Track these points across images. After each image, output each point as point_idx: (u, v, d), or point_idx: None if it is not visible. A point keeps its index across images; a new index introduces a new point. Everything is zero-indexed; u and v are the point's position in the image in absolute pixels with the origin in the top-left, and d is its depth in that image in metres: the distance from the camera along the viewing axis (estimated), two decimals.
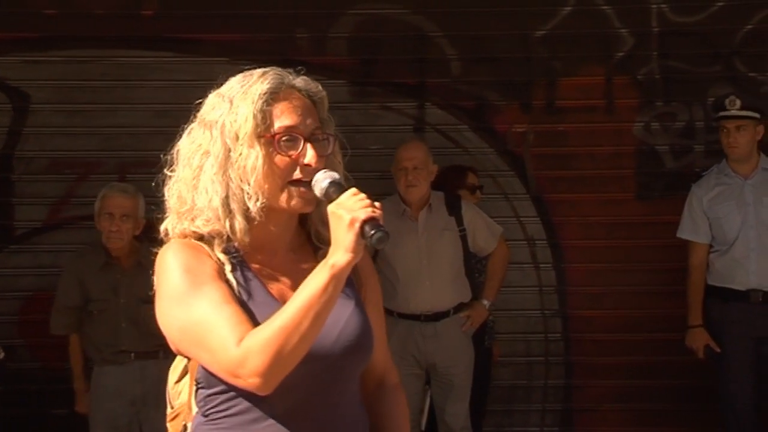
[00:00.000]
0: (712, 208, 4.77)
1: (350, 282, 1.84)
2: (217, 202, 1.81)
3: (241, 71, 1.91)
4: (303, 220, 1.91)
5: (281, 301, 1.80)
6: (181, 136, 1.93)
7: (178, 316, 1.80)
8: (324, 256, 1.77)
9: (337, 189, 1.77)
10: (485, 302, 4.78)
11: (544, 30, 5.38)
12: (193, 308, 1.77)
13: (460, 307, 4.71)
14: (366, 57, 5.34)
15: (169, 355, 5.25)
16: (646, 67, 5.41)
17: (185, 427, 1.91)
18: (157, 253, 1.90)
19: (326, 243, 1.80)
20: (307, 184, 1.81)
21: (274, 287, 1.84)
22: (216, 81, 1.93)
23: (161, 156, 1.96)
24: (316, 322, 1.71)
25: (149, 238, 5.06)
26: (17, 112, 5.39)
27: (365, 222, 1.70)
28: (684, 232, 4.84)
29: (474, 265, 4.82)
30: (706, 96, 5.36)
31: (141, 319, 4.38)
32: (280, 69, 1.87)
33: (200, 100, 1.89)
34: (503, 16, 5.33)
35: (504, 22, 5.34)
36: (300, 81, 1.87)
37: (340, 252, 1.71)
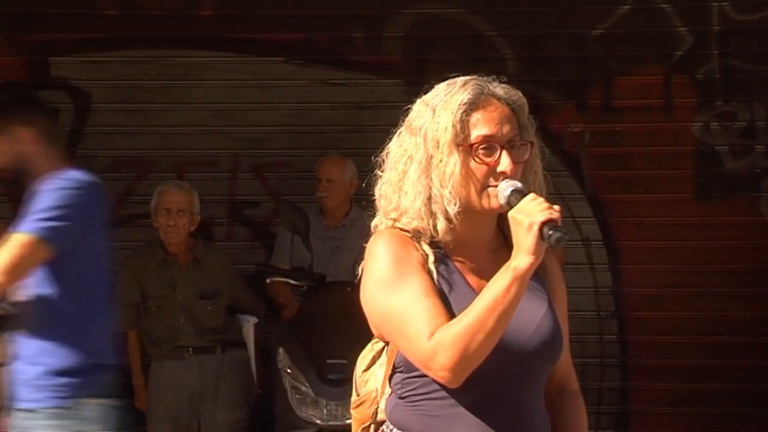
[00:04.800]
0: None
1: (544, 285, 1.97)
2: (419, 203, 1.91)
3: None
4: (501, 223, 1.99)
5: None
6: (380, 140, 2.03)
7: (381, 303, 1.90)
8: None
9: (518, 196, 1.86)
10: None
11: (601, 29, 5.33)
12: (395, 297, 1.88)
13: None
14: (421, 56, 5.34)
15: (226, 350, 5.31)
16: (705, 66, 5.33)
17: (376, 411, 2.00)
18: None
19: None
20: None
21: (474, 282, 1.94)
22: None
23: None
24: (500, 322, 1.80)
25: (204, 236, 5.15)
26: (78, 111, 5.49)
27: (543, 224, 1.78)
28: None
29: None
30: (767, 95, 5.27)
31: (198, 315, 4.46)
32: (481, 78, 1.96)
33: (408, 106, 1.99)
34: (559, 15, 5.30)
35: (560, 21, 5.31)
36: (500, 89, 1.95)
37: (522, 255, 1.80)
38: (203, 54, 5.44)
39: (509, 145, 1.91)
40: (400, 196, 1.93)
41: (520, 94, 1.96)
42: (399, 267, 1.88)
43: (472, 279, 1.94)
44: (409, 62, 5.36)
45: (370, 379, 2.05)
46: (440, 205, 1.90)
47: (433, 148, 1.91)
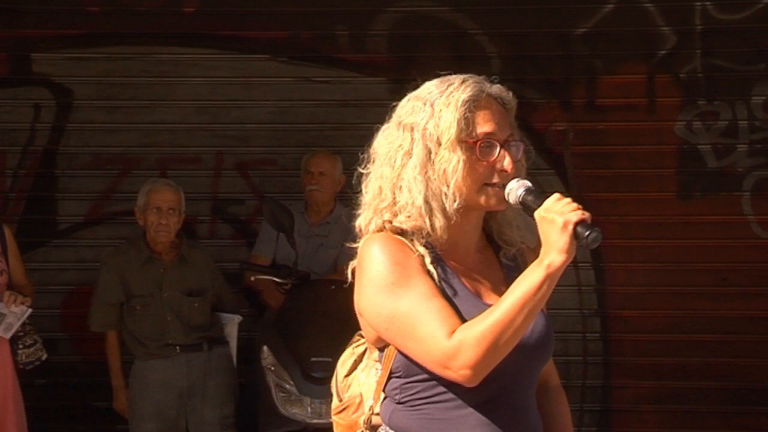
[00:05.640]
0: None
1: None
2: (420, 200, 1.90)
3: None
4: (484, 223, 2.01)
5: (477, 296, 1.91)
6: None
7: (386, 306, 1.87)
8: (507, 256, 1.95)
9: (535, 196, 1.88)
10: None
11: (585, 27, 5.34)
12: (402, 299, 1.86)
13: None
14: (405, 54, 5.34)
15: (212, 347, 5.31)
16: (688, 65, 5.35)
17: (370, 417, 1.97)
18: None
19: (509, 243, 1.97)
20: (501, 185, 1.93)
21: (469, 283, 1.94)
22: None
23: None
24: (528, 319, 1.82)
25: (187, 233, 5.14)
26: (61, 108, 5.46)
27: (577, 224, 1.81)
28: None
29: None
30: (749, 94, 5.30)
31: (186, 313, 4.44)
32: (477, 77, 1.98)
33: (395, 103, 1.99)
34: (543, 13, 5.31)
35: (544, 19, 5.32)
36: (495, 89, 1.97)
37: (554, 253, 1.82)
38: (187, 51, 5.42)
39: (506, 144, 1.93)
40: (395, 193, 1.92)
41: (512, 94, 1.99)
42: (401, 269, 1.87)
43: (466, 280, 1.94)
44: (394, 60, 5.36)
45: (353, 384, 2.04)
46: (439, 203, 1.90)
47: (434, 145, 1.91)
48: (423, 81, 2.00)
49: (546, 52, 5.38)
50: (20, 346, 4.24)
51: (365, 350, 2.04)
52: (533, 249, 1.88)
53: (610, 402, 5.46)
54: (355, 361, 2.06)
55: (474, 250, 1.98)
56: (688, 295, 5.31)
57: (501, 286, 1.98)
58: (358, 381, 2.03)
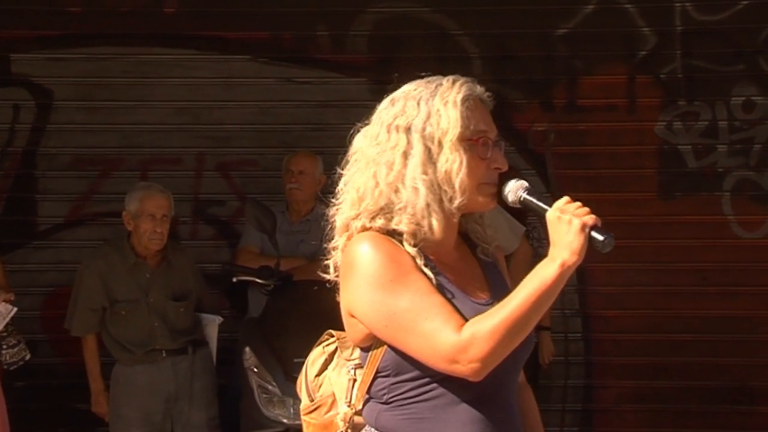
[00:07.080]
0: None
1: (505, 281, 2.02)
2: (422, 201, 1.90)
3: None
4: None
5: (465, 294, 1.92)
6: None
7: (386, 303, 1.86)
8: (485, 253, 1.98)
9: (537, 197, 1.93)
10: None
11: (565, 28, 5.36)
12: (402, 295, 1.85)
13: None
14: (386, 55, 5.34)
15: (197, 350, 5.24)
16: (668, 66, 5.38)
17: (351, 417, 1.95)
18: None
19: (485, 241, 2.00)
20: (494, 185, 1.95)
21: (455, 281, 1.95)
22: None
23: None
24: (537, 313, 1.84)
25: (171, 236, 5.06)
26: (40, 108, 5.43)
27: (592, 228, 1.85)
28: None
29: None
30: (729, 95, 5.33)
31: (171, 317, 4.39)
32: (462, 77, 1.98)
33: (376, 104, 1.99)
34: (524, 14, 5.32)
35: (525, 20, 5.33)
36: (480, 89, 1.98)
37: (567, 253, 1.85)
38: (167, 51, 5.40)
39: (496, 143, 1.95)
40: (391, 196, 1.90)
41: (489, 94, 2.00)
42: (397, 266, 1.87)
43: (451, 277, 1.94)
44: (375, 61, 5.36)
45: (324, 383, 2.03)
46: (439, 203, 1.90)
47: (434, 145, 1.90)
48: (403, 82, 1.99)
49: (527, 52, 5.40)
50: (4, 347, 4.19)
51: (336, 349, 2.03)
52: (509, 254, 1.90)
53: (592, 402, 5.48)
54: (326, 360, 2.04)
55: (452, 248, 1.99)
56: (669, 294, 5.34)
57: (482, 282, 1.99)
58: (330, 380, 2.01)
